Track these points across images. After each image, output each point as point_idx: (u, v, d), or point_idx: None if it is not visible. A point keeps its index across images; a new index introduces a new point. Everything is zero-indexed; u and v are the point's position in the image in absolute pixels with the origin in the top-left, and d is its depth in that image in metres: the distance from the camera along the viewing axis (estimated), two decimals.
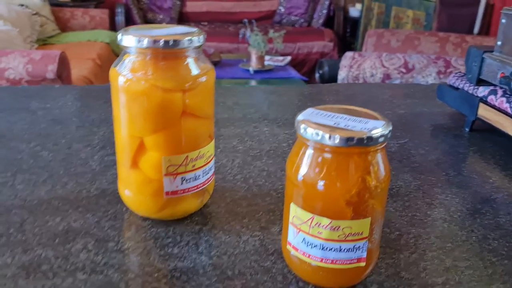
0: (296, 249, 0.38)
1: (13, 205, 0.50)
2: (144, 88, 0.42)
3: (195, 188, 0.46)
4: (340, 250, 0.37)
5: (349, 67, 2.05)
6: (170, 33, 0.42)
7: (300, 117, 0.37)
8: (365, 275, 0.39)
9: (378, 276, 0.41)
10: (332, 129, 0.35)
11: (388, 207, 0.52)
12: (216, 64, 3.23)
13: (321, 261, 0.37)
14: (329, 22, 4.44)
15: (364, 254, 0.37)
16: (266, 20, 4.49)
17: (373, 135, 0.34)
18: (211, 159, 0.48)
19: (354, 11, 4.31)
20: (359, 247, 0.37)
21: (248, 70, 3.16)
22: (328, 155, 0.35)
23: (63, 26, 3.83)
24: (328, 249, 0.37)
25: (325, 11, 4.39)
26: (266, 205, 0.52)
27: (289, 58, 3.54)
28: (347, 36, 4.43)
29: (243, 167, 0.60)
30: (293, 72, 3.27)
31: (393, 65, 2.02)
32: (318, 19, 4.42)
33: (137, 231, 0.46)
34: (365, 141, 0.34)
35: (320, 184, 0.36)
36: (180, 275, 0.40)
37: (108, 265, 0.41)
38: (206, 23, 4.33)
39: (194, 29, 0.44)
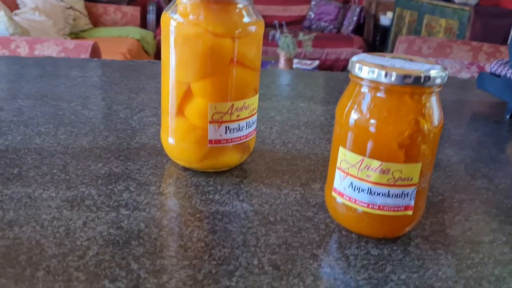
0: (342, 195, 0.38)
1: (56, 151, 0.50)
2: (195, 32, 0.42)
3: (238, 139, 0.46)
4: (388, 195, 0.36)
5: None
6: None
7: (354, 58, 0.36)
8: (411, 226, 0.38)
9: (422, 231, 0.40)
10: (388, 68, 0.34)
11: None
12: None
13: (368, 206, 0.37)
14: (359, 29, 4.43)
15: (412, 202, 0.37)
16: (295, 25, 4.50)
17: (431, 75, 0.34)
18: (255, 112, 0.48)
19: (385, 19, 4.29)
20: (407, 193, 0.36)
21: (282, 70, 3.16)
22: (382, 95, 0.35)
23: (96, 21, 3.90)
24: (376, 193, 0.36)
25: (355, 18, 4.37)
26: (306, 166, 0.51)
27: (317, 62, 3.54)
28: (377, 44, 4.40)
29: (281, 133, 0.60)
30: None
31: None
32: (348, 26, 4.41)
33: (178, 179, 0.46)
34: (422, 80, 0.33)
35: (372, 124, 0.35)
36: (222, 217, 0.40)
37: (151, 204, 0.41)
38: None
39: None
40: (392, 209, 0.37)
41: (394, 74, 0.33)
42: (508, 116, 0.74)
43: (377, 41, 4.39)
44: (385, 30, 4.22)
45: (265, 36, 3.86)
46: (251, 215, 0.41)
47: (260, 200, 0.43)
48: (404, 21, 3.79)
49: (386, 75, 0.33)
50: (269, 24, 4.29)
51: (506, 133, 0.68)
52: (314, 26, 4.50)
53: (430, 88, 0.34)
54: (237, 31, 0.43)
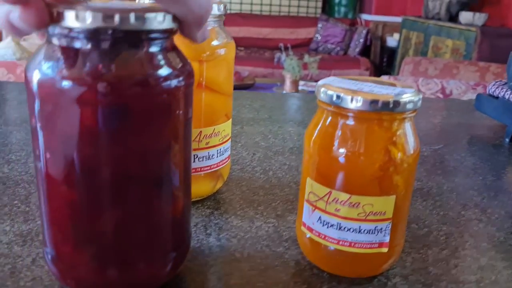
0: (311, 230, 0.35)
1: (22, 180, 0.48)
2: None
3: (208, 168, 0.44)
4: (359, 231, 0.33)
5: None
6: None
7: (320, 82, 0.34)
8: (388, 264, 0.35)
9: (402, 269, 0.37)
10: (354, 92, 0.31)
11: (417, 205, 0.48)
12: (249, 87, 3.23)
13: (338, 243, 0.33)
14: (365, 51, 4.42)
15: (387, 238, 0.33)
16: (302, 47, 4.50)
17: (401, 100, 0.31)
18: (227, 140, 0.45)
19: (392, 40, 4.28)
20: (381, 229, 0.33)
21: (275, 93, 3.15)
22: (350, 122, 0.32)
23: None
24: (346, 229, 0.33)
25: (362, 40, 4.37)
26: (284, 195, 0.48)
27: None
28: (384, 65, 4.38)
29: (263, 160, 0.57)
30: None
31: (430, 90, 1.96)
32: (355, 48, 4.41)
33: None
34: (391, 105, 0.31)
35: (340, 154, 0.32)
36: None
37: None
38: (242, 48, 4.37)
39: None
40: (364, 246, 0.33)
41: (360, 99, 0.30)
42: (507, 140, 0.71)
43: (384, 62, 4.38)
44: (392, 52, 4.20)
45: (271, 58, 3.88)
46: (216, 251, 0.38)
47: (228, 234, 0.40)
48: (410, 43, 3.77)
49: (352, 100, 0.31)
50: (276, 47, 4.30)
51: (504, 158, 0.64)
52: (321, 48, 4.50)
53: (402, 114, 0.31)
54: (204, 55, 0.41)
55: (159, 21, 0.26)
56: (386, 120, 0.31)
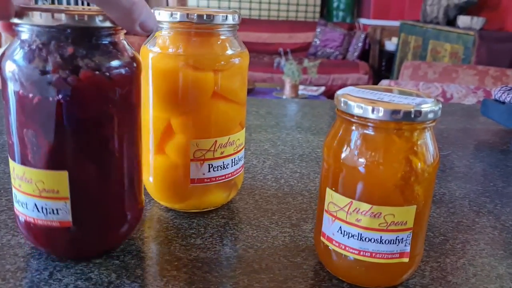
0: (331, 241, 0.35)
1: None
2: (174, 65, 0.40)
3: (223, 177, 0.43)
4: (380, 241, 0.33)
5: None
6: (206, 10, 0.40)
7: (340, 92, 0.34)
8: (407, 274, 0.35)
9: (421, 279, 0.37)
10: (375, 102, 0.31)
11: (431, 213, 0.47)
12: (249, 92, 3.23)
13: (359, 253, 0.33)
14: (364, 55, 4.43)
15: (408, 248, 0.33)
16: (301, 52, 4.51)
17: (422, 109, 0.31)
18: (241, 149, 0.45)
19: (390, 44, 4.29)
20: (402, 239, 0.33)
21: (281, 99, 3.15)
22: (370, 132, 0.32)
23: None
24: (367, 239, 0.33)
25: (360, 45, 4.38)
26: (298, 204, 0.48)
27: (323, 88, 3.53)
28: (382, 69, 4.39)
29: (274, 168, 0.57)
30: None
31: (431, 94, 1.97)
32: (353, 52, 4.42)
33: (159, 221, 0.43)
34: (412, 116, 0.30)
35: (361, 164, 0.32)
36: (202, 265, 0.37)
37: (126, 251, 0.38)
38: None
39: (231, 9, 0.42)
40: (385, 256, 0.33)
41: (381, 109, 0.30)
42: None
43: (383, 66, 4.39)
44: (391, 56, 4.21)
45: (271, 63, 3.88)
46: (234, 262, 0.38)
47: (245, 245, 0.40)
48: (409, 47, 3.78)
49: (373, 110, 0.31)
50: (275, 52, 4.31)
51: None
52: (319, 53, 4.51)
53: (422, 123, 0.31)
54: (219, 64, 0.41)
55: (101, 20, 0.32)
56: (407, 130, 0.31)
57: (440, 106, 0.32)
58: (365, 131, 0.32)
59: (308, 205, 0.48)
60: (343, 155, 0.33)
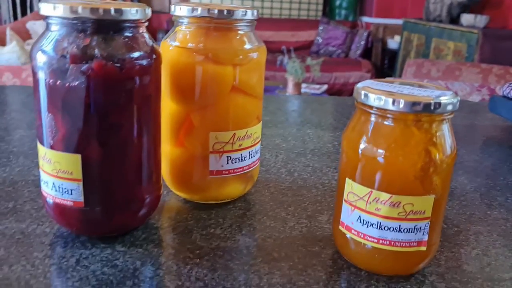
0: (350, 230, 0.36)
1: None
2: (194, 60, 0.41)
3: (241, 169, 0.44)
4: (399, 230, 0.34)
5: None
6: (225, 5, 0.41)
7: (360, 85, 0.35)
8: (425, 262, 0.36)
9: (437, 267, 0.38)
10: (395, 94, 0.32)
11: None
12: None
13: (378, 242, 0.34)
14: (367, 53, 4.43)
15: (426, 237, 0.34)
16: (303, 50, 4.52)
17: (441, 101, 0.32)
18: (258, 141, 0.46)
19: (393, 43, 4.29)
20: (420, 228, 0.34)
21: (289, 95, 3.16)
22: (390, 123, 0.33)
23: None
24: (386, 228, 0.34)
25: (363, 43, 4.39)
26: (313, 196, 0.49)
27: (325, 86, 3.54)
28: (385, 67, 4.40)
29: (287, 162, 0.58)
30: None
31: None
32: (356, 50, 4.42)
33: (178, 212, 0.44)
34: (432, 107, 0.31)
35: (381, 155, 0.33)
36: (223, 253, 0.38)
37: (148, 240, 0.39)
38: None
39: (249, 5, 0.43)
40: (404, 244, 0.34)
41: (402, 101, 0.31)
42: None
43: (386, 64, 4.39)
44: (393, 54, 4.22)
45: (273, 61, 3.88)
46: (254, 251, 0.39)
47: (263, 234, 0.41)
48: (412, 45, 3.79)
49: (393, 102, 0.32)
50: (277, 50, 4.32)
51: None
52: (322, 51, 4.52)
53: (441, 115, 0.32)
54: (238, 58, 0.41)
55: (132, 13, 0.34)
56: (427, 122, 0.32)
57: (458, 98, 0.33)
58: (385, 123, 0.33)
59: (322, 197, 0.49)
60: (362, 146, 0.34)
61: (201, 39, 0.41)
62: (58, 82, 0.34)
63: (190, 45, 0.41)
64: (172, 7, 0.42)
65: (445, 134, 0.33)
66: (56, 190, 0.37)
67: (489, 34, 3.13)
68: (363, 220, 0.35)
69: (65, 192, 0.36)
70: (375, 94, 0.32)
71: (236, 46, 0.42)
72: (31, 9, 4.31)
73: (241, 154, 0.44)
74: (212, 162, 0.43)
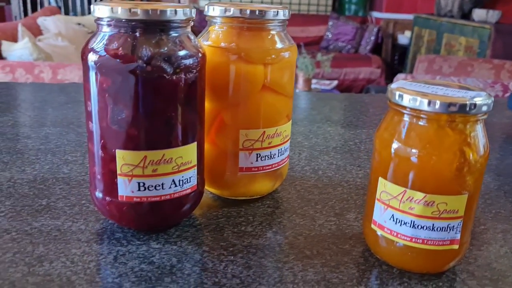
0: (382, 228, 0.36)
1: (84, 180, 0.50)
2: (226, 59, 0.41)
3: (270, 167, 0.45)
4: (432, 229, 0.34)
5: None
6: (258, 6, 0.42)
7: (393, 85, 0.35)
8: (456, 261, 0.36)
9: (468, 266, 0.38)
10: (430, 95, 0.33)
11: None
12: None
13: (411, 240, 0.35)
14: (377, 49, 4.42)
15: (458, 236, 0.35)
16: (313, 45, 4.51)
17: (477, 102, 0.32)
18: (288, 139, 0.46)
19: (403, 38, 4.27)
20: (453, 226, 0.34)
21: (307, 92, 3.16)
22: (424, 123, 0.33)
23: None
24: (419, 227, 0.34)
25: (373, 38, 4.37)
26: (339, 194, 0.49)
27: (335, 82, 3.53)
28: (395, 63, 4.38)
29: (310, 159, 0.59)
30: None
31: None
32: (366, 45, 4.41)
33: (208, 209, 0.45)
34: (467, 108, 0.32)
35: (414, 155, 0.33)
36: (256, 251, 0.38)
37: (182, 237, 0.40)
38: None
39: (281, 5, 0.44)
40: (437, 243, 0.35)
41: (438, 102, 0.32)
42: None
43: (396, 60, 4.38)
44: (404, 49, 4.20)
45: None
46: (286, 248, 0.39)
47: (294, 232, 0.42)
48: (422, 40, 3.77)
49: (429, 103, 0.32)
50: None
51: None
52: (331, 47, 4.51)
53: (476, 116, 0.33)
54: (269, 58, 0.42)
55: (180, 13, 0.35)
56: (462, 122, 0.33)
57: (493, 99, 0.33)
58: (419, 123, 0.33)
59: (348, 195, 0.49)
60: (395, 146, 0.34)
61: (234, 39, 0.41)
62: (110, 81, 0.35)
63: (222, 44, 0.41)
64: (206, 7, 0.42)
65: (479, 134, 0.34)
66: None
67: (501, 29, 3.11)
68: (396, 219, 0.35)
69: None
70: (410, 95, 0.33)
71: (268, 45, 0.42)
72: (41, 5, 4.33)
73: (271, 152, 0.44)
74: (242, 159, 0.44)
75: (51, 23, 3.30)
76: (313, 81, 3.33)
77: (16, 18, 4.24)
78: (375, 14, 4.65)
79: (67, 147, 0.59)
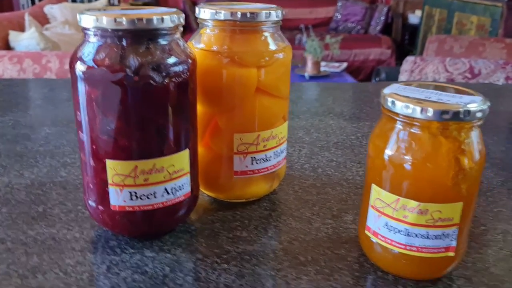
0: (377, 235, 0.36)
1: (81, 184, 0.50)
2: (219, 62, 0.40)
3: (265, 170, 0.44)
4: (427, 237, 0.34)
5: (410, 71, 1.98)
6: (249, 8, 0.41)
7: (386, 90, 0.34)
8: (451, 267, 0.36)
9: (465, 271, 0.37)
10: (423, 102, 0.32)
11: None
12: None
13: (405, 248, 0.34)
14: (387, 29, 4.35)
15: (454, 243, 0.34)
16: (322, 27, 4.45)
17: (471, 109, 0.31)
18: (284, 142, 0.46)
19: (414, 18, 4.20)
20: (448, 234, 0.34)
21: (303, 76, 3.13)
22: (418, 131, 0.32)
23: None
24: (414, 235, 0.34)
25: (383, 18, 4.30)
26: (337, 194, 0.49)
27: (345, 64, 3.49)
28: (405, 43, 4.32)
29: (310, 157, 0.58)
30: (349, 79, 3.22)
31: (458, 70, 1.93)
32: (376, 26, 4.34)
33: (204, 213, 0.45)
34: (461, 115, 0.31)
35: (409, 163, 0.33)
36: (250, 258, 0.38)
37: (176, 244, 0.40)
38: None
39: (274, 6, 0.43)
40: (431, 250, 0.34)
41: (430, 110, 0.31)
42: None
43: (406, 40, 4.31)
44: (414, 29, 4.13)
45: (292, 40, 3.84)
46: (280, 254, 0.39)
47: (289, 237, 0.41)
48: (433, 20, 3.70)
49: (422, 110, 0.31)
50: (295, 27, 4.26)
51: None
52: (341, 28, 4.45)
53: (470, 123, 0.32)
54: (263, 60, 0.41)
55: (167, 21, 0.35)
56: (456, 130, 0.32)
57: (489, 104, 0.32)
58: (413, 130, 0.33)
59: (347, 195, 0.49)
60: (390, 153, 0.34)
61: (226, 42, 0.41)
62: (98, 91, 0.35)
63: (214, 47, 0.41)
64: (197, 9, 0.41)
65: (474, 141, 0.33)
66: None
67: None
68: (390, 227, 0.34)
69: None
70: (403, 102, 0.32)
71: (261, 48, 0.41)
72: None
73: (266, 155, 0.44)
74: (237, 162, 0.43)
75: (58, 11, 3.29)
76: (322, 63, 3.30)
77: (23, 7, 4.23)
78: None
79: (66, 148, 0.59)
